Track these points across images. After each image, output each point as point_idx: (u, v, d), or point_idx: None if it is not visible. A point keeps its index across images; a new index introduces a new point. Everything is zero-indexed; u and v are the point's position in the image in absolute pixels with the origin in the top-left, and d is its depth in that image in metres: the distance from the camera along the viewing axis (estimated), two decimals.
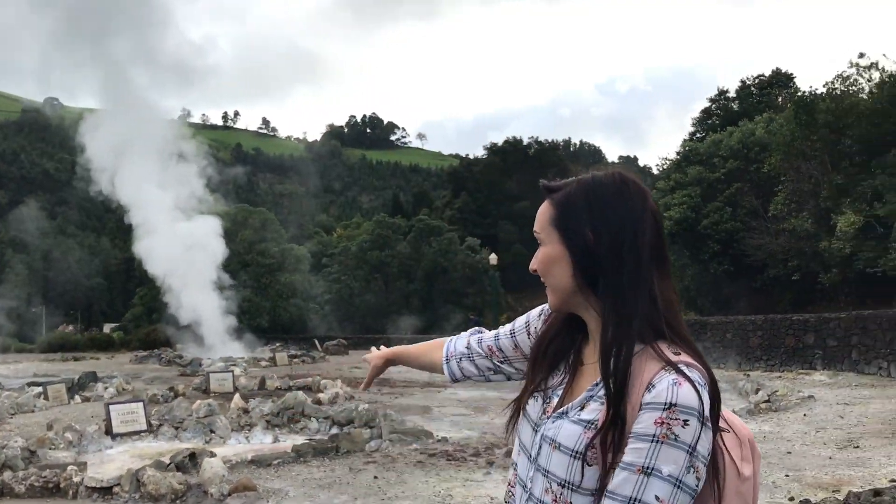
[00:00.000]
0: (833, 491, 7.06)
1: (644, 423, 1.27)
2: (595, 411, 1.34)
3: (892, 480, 7.68)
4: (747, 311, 28.46)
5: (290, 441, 11.35)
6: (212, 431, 12.45)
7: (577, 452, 1.33)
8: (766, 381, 16.92)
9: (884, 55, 48.90)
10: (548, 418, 1.42)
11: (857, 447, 9.27)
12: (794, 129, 28.54)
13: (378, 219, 58.99)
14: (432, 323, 50.77)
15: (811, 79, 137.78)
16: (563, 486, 1.35)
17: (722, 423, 1.38)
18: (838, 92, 28.44)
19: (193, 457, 8.56)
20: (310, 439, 10.83)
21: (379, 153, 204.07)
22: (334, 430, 12.02)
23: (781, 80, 42.62)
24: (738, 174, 33.83)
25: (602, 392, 1.34)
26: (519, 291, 66.35)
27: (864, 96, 27.66)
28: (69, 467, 8.14)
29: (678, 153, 39.44)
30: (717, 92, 45.68)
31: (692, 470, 1.25)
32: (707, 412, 1.27)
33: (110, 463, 10.02)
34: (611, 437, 1.29)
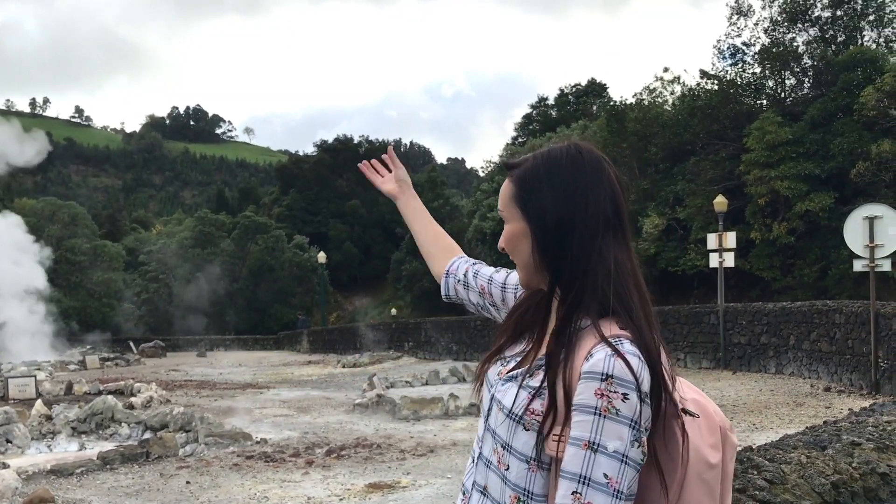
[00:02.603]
0: None
1: (584, 393, 1.27)
2: (542, 380, 1.36)
3: None
4: None
5: (98, 448, 10.72)
6: (8, 441, 11.54)
7: (515, 415, 1.36)
8: None
9: (685, 70, 53.00)
10: (500, 380, 1.44)
11: None
12: (606, 137, 30.31)
13: (200, 215, 56.78)
14: (258, 322, 49.56)
15: (623, 89, 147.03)
16: (504, 448, 1.38)
17: (693, 408, 1.38)
18: (646, 103, 30.54)
19: None
20: (119, 445, 10.28)
21: (203, 147, 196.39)
22: (147, 436, 11.49)
23: (596, 89, 45.21)
24: None
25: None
26: (349, 290, 66.14)
27: (668, 108, 29.88)
28: None
29: (501, 156, 40.82)
30: (537, 99, 47.81)
31: (637, 444, 1.25)
32: (645, 387, 1.26)
33: None
34: (550, 411, 1.30)
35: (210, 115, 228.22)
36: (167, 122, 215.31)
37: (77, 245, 43.75)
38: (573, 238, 1.38)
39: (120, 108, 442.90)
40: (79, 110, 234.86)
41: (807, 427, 4.57)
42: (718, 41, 30.79)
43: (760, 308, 16.92)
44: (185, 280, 48.32)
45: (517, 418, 1.36)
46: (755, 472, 3.15)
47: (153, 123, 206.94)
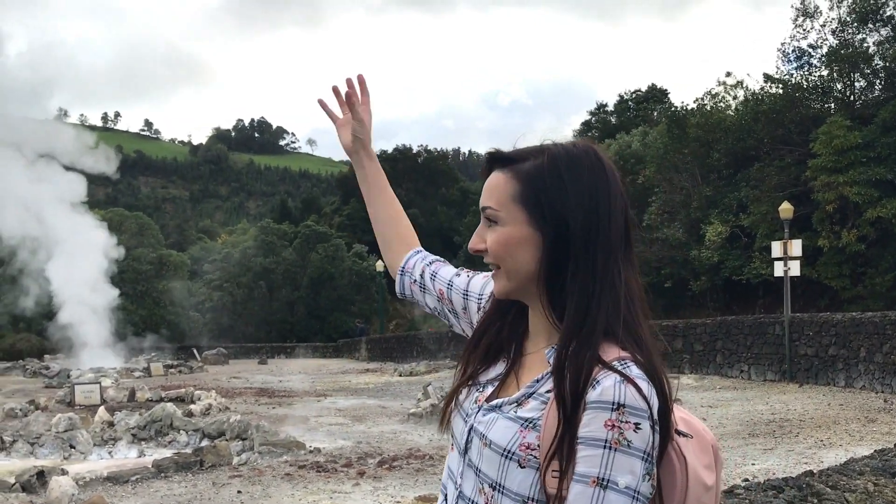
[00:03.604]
0: None
1: (592, 425, 1.14)
2: (536, 410, 1.21)
3: (746, 480, 8.04)
4: None
5: (156, 455, 10.89)
6: (72, 447, 11.82)
7: (509, 452, 1.20)
8: None
9: (748, 75, 51.85)
10: (479, 409, 1.28)
11: None
12: (667, 143, 29.76)
13: (263, 224, 57.73)
14: (318, 331, 50.07)
15: (684, 94, 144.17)
16: (494, 488, 1.22)
17: (684, 428, 1.28)
18: (708, 108, 29.90)
19: (42, 475, 8.07)
20: (175, 453, 10.40)
21: (267, 158, 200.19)
22: (205, 444, 11.61)
23: (657, 95, 44.48)
24: None
25: (544, 389, 1.22)
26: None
27: (731, 112, 29.18)
28: None
29: None
30: (596, 105, 47.30)
31: (648, 477, 1.15)
32: (656, 414, 1.16)
33: None
34: (565, 446, 1.16)
35: (274, 127, 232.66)
36: (233, 134, 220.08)
37: (143, 255, 44.94)
38: (593, 253, 1.23)
39: (187, 121, 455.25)
40: (148, 123, 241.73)
41: (875, 450, 4.28)
42: (783, 44, 29.87)
43: (829, 318, 16.30)
44: (248, 288, 49.14)
45: (510, 455, 1.21)
46: (815, 501, 2.93)
47: (219, 136, 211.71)
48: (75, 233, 32.52)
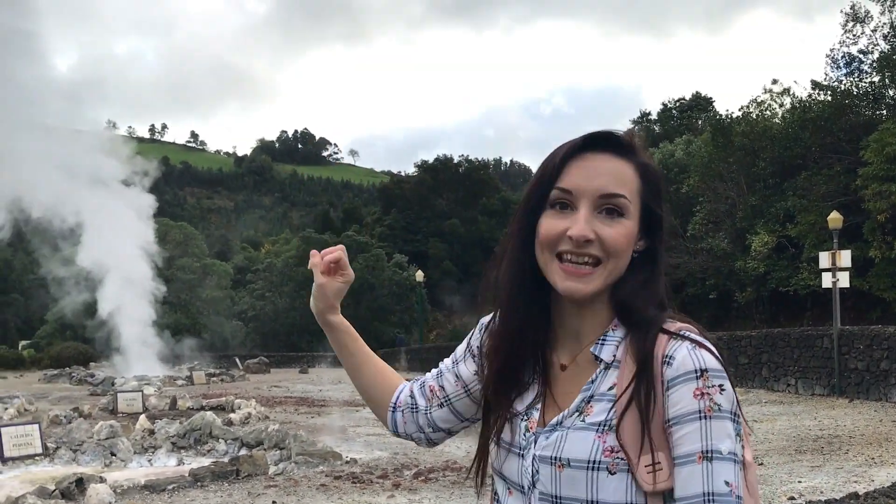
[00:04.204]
0: None
1: (682, 401, 1.11)
2: (605, 411, 1.16)
3: (791, 498, 7.77)
4: None
5: (195, 464, 10.92)
6: (112, 454, 11.93)
7: (594, 462, 1.14)
8: None
9: (795, 82, 50.92)
10: (535, 436, 1.21)
11: (762, 464, 9.37)
12: (711, 151, 29.29)
13: (304, 234, 58.25)
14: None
15: (729, 103, 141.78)
16: None
17: None
18: (753, 116, 29.38)
19: (81, 482, 8.12)
20: (212, 462, 10.42)
21: (310, 169, 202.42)
22: (243, 452, 11.63)
23: (701, 103, 43.88)
24: None
25: (605, 388, 1.18)
26: (447, 308, 66.38)
27: (777, 121, 28.63)
28: None
29: None
30: (639, 114, 46.84)
31: (739, 438, 1.12)
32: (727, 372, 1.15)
33: None
34: (657, 431, 1.12)
35: (317, 138, 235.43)
36: (276, 145, 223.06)
37: (187, 264, 45.61)
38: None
39: (232, 133, 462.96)
40: (194, 135, 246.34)
41: None
42: (832, 50, 29.21)
43: (880, 331, 15.79)
44: (290, 298, 49.55)
45: (596, 465, 1.13)
46: None
47: (263, 147, 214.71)
48: (111, 214, 32.94)
